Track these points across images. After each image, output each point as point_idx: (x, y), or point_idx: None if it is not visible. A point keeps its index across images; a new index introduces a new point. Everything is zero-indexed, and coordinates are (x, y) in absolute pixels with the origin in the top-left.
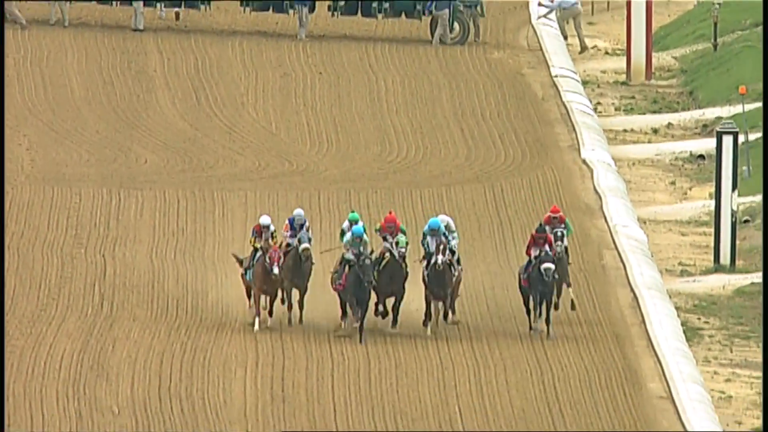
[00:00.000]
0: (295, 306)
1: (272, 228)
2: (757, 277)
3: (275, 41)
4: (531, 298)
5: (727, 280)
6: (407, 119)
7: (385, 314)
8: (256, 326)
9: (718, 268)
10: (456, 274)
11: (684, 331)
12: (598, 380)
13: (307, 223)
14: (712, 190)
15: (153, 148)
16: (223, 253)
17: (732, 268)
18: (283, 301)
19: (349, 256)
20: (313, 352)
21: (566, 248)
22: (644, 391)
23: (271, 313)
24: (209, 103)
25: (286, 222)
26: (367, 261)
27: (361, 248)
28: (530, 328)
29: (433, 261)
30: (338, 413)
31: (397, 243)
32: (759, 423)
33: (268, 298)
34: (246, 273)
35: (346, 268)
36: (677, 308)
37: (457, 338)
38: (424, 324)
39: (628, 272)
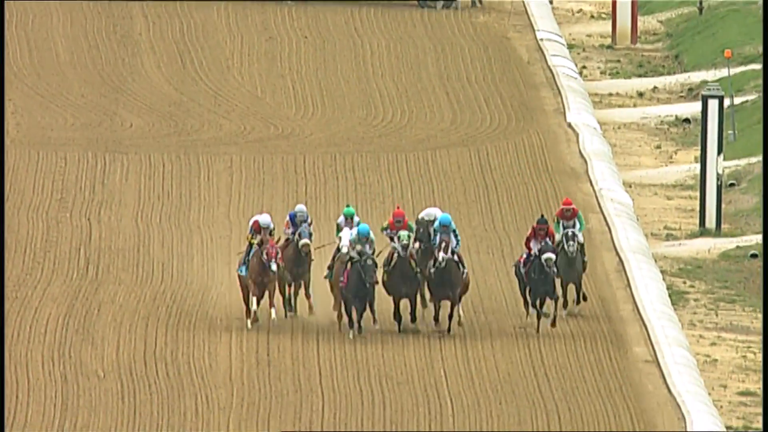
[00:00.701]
0: (301, 297)
1: (272, 226)
2: (743, 241)
3: (260, 5)
4: (530, 294)
5: (713, 244)
6: (393, 83)
7: (401, 319)
8: (249, 323)
9: (703, 231)
10: (464, 275)
11: (669, 295)
12: (583, 344)
13: (309, 219)
14: (698, 153)
15: (138, 112)
16: (209, 217)
17: (717, 232)
18: (288, 304)
19: (353, 253)
20: (299, 316)
21: (582, 245)
22: (629, 355)
23: (272, 304)
24: (195, 68)
25: (287, 218)
26: (369, 261)
27: (367, 247)
28: (537, 317)
29: (434, 259)
30: (323, 377)
31: (399, 238)
32: (744, 386)
33: (266, 292)
34: (242, 268)
35: (349, 265)
36: (663, 272)
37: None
38: (435, 320)
39: (613, 236)
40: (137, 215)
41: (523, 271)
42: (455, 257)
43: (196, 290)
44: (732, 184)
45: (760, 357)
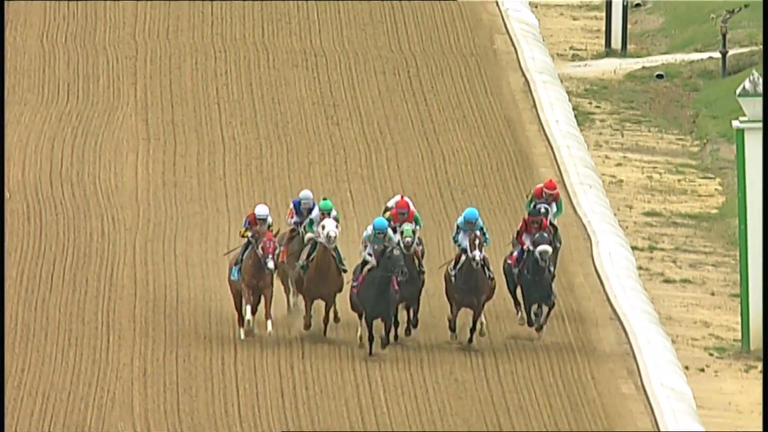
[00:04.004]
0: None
1: (270, 220)
2: (649, 62)
3: None
4: (522, 296)
5: (618, 64)
6: None
7: (397, 324)
8: (248, 321)
9: (609, 52)
10: (490, 279)
11: (575, 116)
12: (489, 165)
13: (315, 206)
14: None
15: None
16: (114, 38)
17: (623, 53)
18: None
19: (368, 256)
20: (205, 135)
21: (556, 229)
22: (535, 176)
23: (268, 315)
24: None
25: (290, 206)
26: (396, 252)
27: (385, 245)
28: (529, 324)
29: (465, 258)
30: (230, 197)
31: (401, 233)
32: (649, 207)
33: (263, 299)
34: (233, 271)
35: (364, 270)
36: (568, 93)
37: (348, 119)
38: (452, 329)
39: (519, 56)
40: (42, 35)
41: (515, 270)
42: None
43: (102, 111)
44: (638, 5)
45: (665, 178)
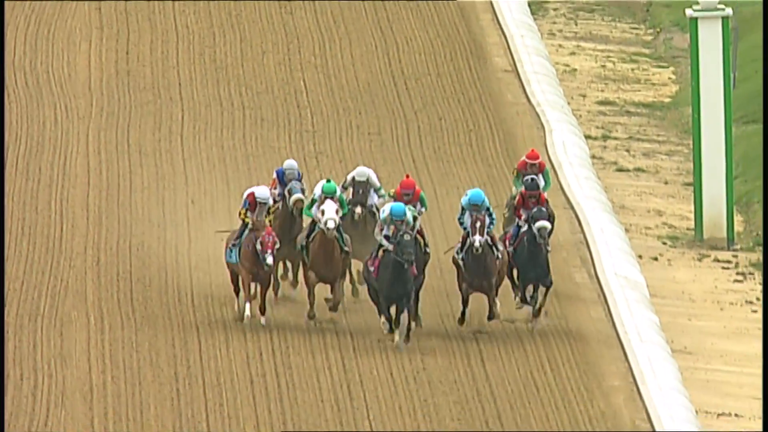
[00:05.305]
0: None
1: (270, 203)
2: None
3: None
4: (518, 276)
5: None
6: None
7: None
8: (246, 317)
9: None
10: (497, 259)
11: (529, 4)
12: (443, 54)
13: (300, 175)
14: None
15: None
16: None
17: None
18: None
19: (383, 239)
20: (158, 24)
21: (546, 202)
22: (489, 65)
23: (263, 310)
24: None
25: (274, 176)
26: (406, 236)
27: (398, 228)
28: (523, 300)
29: (468, 243)
30: (183, 86)
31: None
32: (603, 96)
33: (258, 287)
34: (230, 253)
35: (380, 253)
36: None
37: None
38: (460, 322)
39: None
40: None
41: (510, 249)
42: (488, 239)
43: None
44: None
45: (619, 67)
